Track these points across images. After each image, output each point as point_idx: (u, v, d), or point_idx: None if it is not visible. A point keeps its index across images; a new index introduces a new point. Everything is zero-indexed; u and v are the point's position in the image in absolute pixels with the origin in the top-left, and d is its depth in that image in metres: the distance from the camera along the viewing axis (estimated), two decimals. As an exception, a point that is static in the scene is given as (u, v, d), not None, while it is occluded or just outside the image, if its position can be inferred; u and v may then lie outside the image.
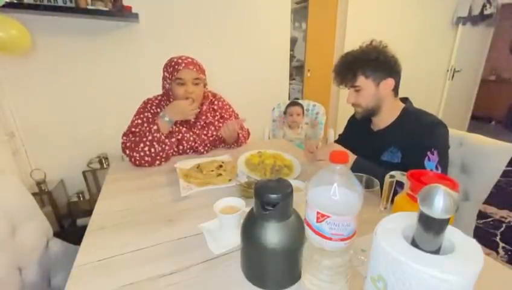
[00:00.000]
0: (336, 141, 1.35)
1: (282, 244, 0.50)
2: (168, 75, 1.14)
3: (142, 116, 1.18)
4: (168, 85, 1.16)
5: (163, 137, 1.09)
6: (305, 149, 1.08)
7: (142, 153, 1.08)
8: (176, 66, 1.10)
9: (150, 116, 1.18)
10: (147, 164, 1.11)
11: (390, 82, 0.96)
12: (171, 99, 1.18)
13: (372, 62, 0.95)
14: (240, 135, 1.34)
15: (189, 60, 1.14)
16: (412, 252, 0.34)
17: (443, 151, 0.90)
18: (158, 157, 1.10)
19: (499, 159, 0.95)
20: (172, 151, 1.09)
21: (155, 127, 1.10)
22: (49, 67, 1.80)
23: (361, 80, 0.97)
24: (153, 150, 1.09)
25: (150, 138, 1.09)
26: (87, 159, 2.00)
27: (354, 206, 0.45)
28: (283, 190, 0.50)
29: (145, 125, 1.16)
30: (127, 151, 1.11)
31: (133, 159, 1.11)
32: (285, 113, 2.22)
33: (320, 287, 0.50)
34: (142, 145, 1.08)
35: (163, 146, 1.09)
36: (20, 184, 0.92)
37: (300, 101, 2.25)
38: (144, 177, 1.05)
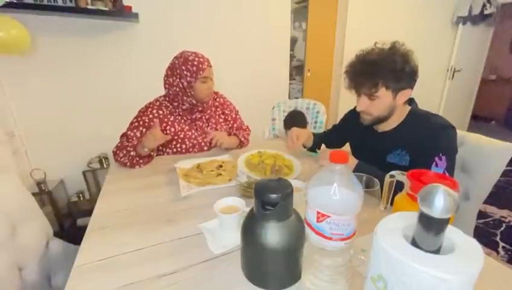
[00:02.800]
0: (329, 130, 1.35)
1: (282, 244, 0.50)
2: (189, 74, 1.18)
3: (139, 119, 1.22)
4: (185, 83, 1.19)
5: (134, 154, 1.10)
6: (289, 137, 1.07)
7: (121, 158, 1.12)
8: (200, 66, 1.18)
9: (147, 120, 1.21)
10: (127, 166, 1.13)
11: (407, 93, 0.91)
12: (186, 97, 1.22)
13: (398, 73, 0.86)
14: (243, 139, 1.37)
15: (205, 57, 1.22)
16: (412, 252, 0.34)
17: (451, 156, 0.87)
18: (130, 163, 1.12)
19: (499, 159, 0.95)
20: (140, 164, 1.13)
21: (136, 142, 1.13)
22: (49, 67, 1.80)
23: (381, 91, 0.89)
24: (125, 159, 1.11)
25: (128, 148, 1.11)
26: (87, 159, 2.00)
27: (354, 206, 0.45)
28: (283, 189, 0.50)
29: (140, 128, 1.20)
30: (114, 149, 1.16)
31: (115, 157, 1.15)
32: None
33: (321, 287, 0.50)
34: (124, 151, 1.12)
35: (133, 161, 1.11)
36: (20, 184, 0.92)
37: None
38: (143, 177, 1.05)
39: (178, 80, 1.20)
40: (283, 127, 1.95)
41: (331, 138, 1.33)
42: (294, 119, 1.85)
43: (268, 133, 2.32)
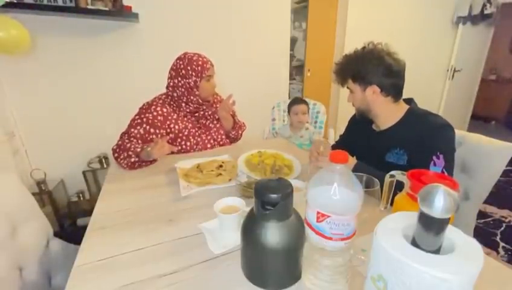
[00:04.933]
0: (337, 143, 1.35)
1: (282, 244, 0.50)
2: (194, 74, 1.22)
3: (142, 116, 1.20)
4: (191, 83, 1.23)
5: (134, 160, 1.09)
6: (311, 149, 1.07)
7: (121, 160, 1.11)
8: (205, 65, 1.23)
9: (151, 117, 1.20)
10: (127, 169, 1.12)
11: (374, 89, 0.97)
12: (192, 97, 1.25)
13: (362, 68, 0.98)
14: (240, 123, 1.47)
15: (207, 57, 1.27)
16: (412, 252, 0.34)
17: (449, 155, 0.87)
18: (128, 168, 1.11)
19: (499, 159, 0.95)
20: (141, 166, 1.12)
21: (138, 150, 1.11)
22: (49, 67, 1.80)
23: (350, 83, 1.03)
24: (123, 162, 1.10)
25: (129, 152, 1.10)
26: (87, 159, 2.00)
27: (354, 206, 0.45)
28: (283, 189, 0.50)
29: (144, 125, 1.18)
30: (115, 147, 1.16)
31: (114, 155, 1.15)
32: (288, 112, 2.03)
33: (321, 286, 0.50)
34: (125, 153, 1.10)
35: (133, 166, 1.11)
36: (20, 184, 0.92)
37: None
38: (144, 177, 1.05)
39: (184, 80, 1.22)
40: (287, 111, 2.07)
41: (343, 148, 1.32)
42: (294, 101, 1.99)
43: (268, 132, 2.32)
